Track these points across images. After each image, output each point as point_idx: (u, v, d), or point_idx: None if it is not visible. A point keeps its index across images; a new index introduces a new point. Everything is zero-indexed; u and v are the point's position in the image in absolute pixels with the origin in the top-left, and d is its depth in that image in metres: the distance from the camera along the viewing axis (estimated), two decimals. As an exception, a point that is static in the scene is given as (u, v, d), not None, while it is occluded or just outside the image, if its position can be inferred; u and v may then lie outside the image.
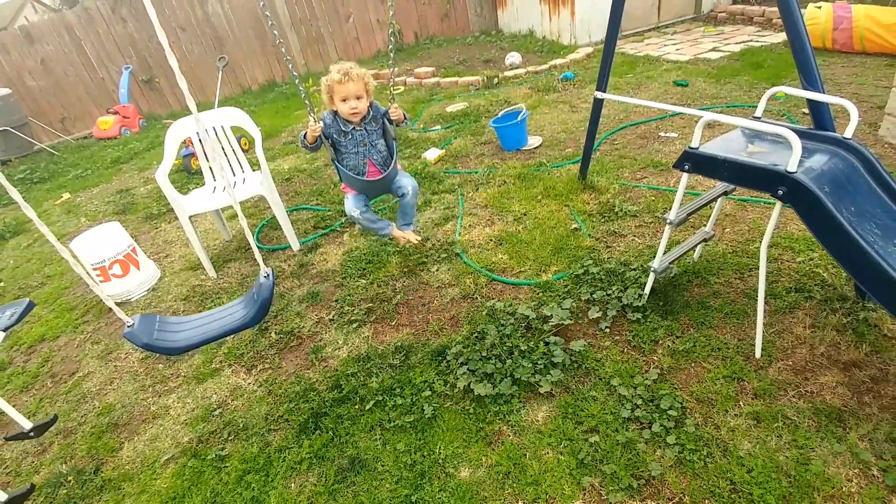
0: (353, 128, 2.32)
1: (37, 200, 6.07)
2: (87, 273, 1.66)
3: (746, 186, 1.85)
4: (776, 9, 7.39)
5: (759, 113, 2.03)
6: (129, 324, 1.75)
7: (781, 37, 6.18)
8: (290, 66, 2.25)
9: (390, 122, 2.40)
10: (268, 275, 1.96)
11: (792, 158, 1.59)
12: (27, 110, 8.10)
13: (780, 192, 1.62)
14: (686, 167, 1.87)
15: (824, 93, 1.92)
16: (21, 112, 7.90)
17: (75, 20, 8.09)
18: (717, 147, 1.88)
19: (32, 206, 6.20)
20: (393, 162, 2.43)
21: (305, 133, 2.32)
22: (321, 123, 2.31)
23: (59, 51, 8.17)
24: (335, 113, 2.31)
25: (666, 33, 7.43)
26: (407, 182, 2.50)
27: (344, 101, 2.23)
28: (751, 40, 6.30)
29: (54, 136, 8.46)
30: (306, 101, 2.29)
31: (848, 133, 1.83)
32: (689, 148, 1.85)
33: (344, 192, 2.54)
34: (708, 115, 1.76)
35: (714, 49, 6.21)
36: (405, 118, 2.41)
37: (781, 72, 4.90)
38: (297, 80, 2.26)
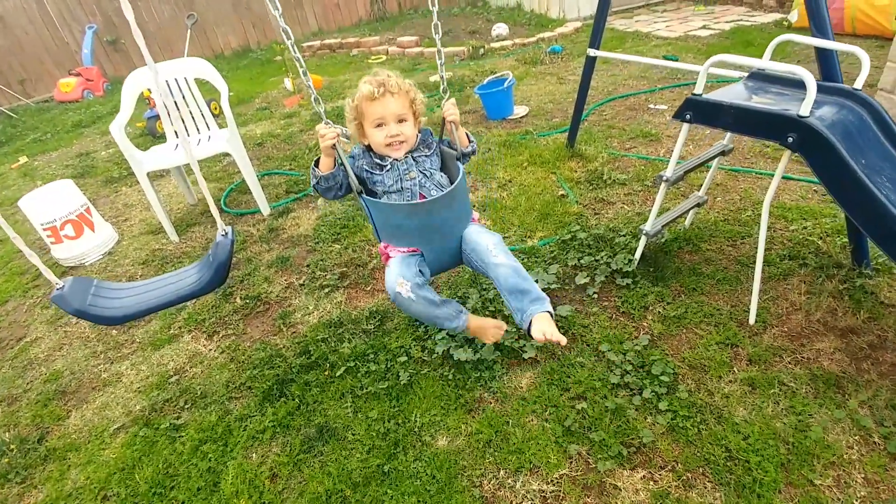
0: (395, 159, 1.59)
1: (-8, 164, 5.66)
2: (13, 232, 1.43)
3: (753, 135, 1.72)
4: (766, -10, 7.04)
5: (764, 62, 1.90)
6: (58, 286, 1.52)
7: (772, 17, 6.12)
8: (278, 17, 1.43)
9: (450, 145, 1.63)
10: (226, 233, 1.67)
11: (805, 101, 1.46)
12: (-19, 69, 7.55)
13: (790, 140, 1.50)
14: (688, 116, 1.73)
15: (834, 40, 1.80)
16: (-27, 71, 7.36)
17: (33, -27, 7.51)
18: (721, 96, 1.74)
19: (-13, 170, 5.70)
20: (458, 181, 1.56)
21: (317, 160, 1.57)
22: (337, 128, 1.50)
23: (17, 6, 7.58)
24: (368, 147, 1.62)
25: (655, 10, 7.30)
26: (488, 239, 1.54)
27: (379, 126, 1.52)
28: (741, 20, 6.21)
29: (13, 98, 7.90)
30: (296, 61, 1.50)
31: (858, 84, 1.72)
32: (693, 95, 1.71)
33: (383, 256, 1.65)
34: (716, 57, 1.62)
35: (704, 27, 6.10)
36: (470, 140, 1.62)
37: (772, 49, 4.82)
38: (289, 42, 1.47)
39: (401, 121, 1.54)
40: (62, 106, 7.44)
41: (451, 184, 1.61)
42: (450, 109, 1.56)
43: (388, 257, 1.61)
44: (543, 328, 1.39)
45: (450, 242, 1.57)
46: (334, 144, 1.50)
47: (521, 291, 1.44)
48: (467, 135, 1.63)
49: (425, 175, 1.59)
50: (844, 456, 1.47)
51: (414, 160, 1.60)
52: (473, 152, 1.66)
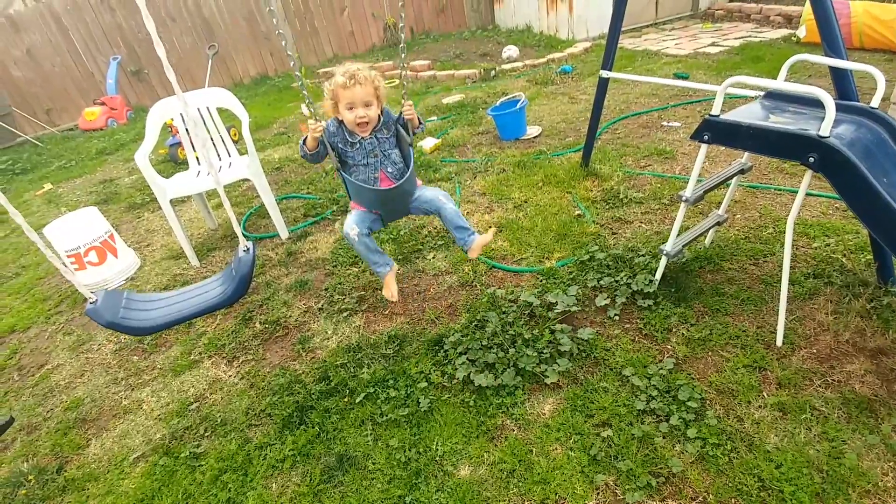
0: (362, 138, 2.00)
1: (17, 191, 5.86)
2: (39, 238, 1.49)
3: (773, 155, 1.71)
4: (773, 6, 7.29)
5: (780, 84, 1.89)
6: (91, 300, 1.58)
7: (780, 33, 6.12)
8: (288, 50, 1.98)
9: (405, 128, 2.05)
10: (248, 248, 1.80)
11: (825, 122, 1.45)
12: (11, 101, 7.87)
13: (812, 160, 1.48)
14: (706, 137, 1.72)
15: (847, 59, 1.79)
16: (4, 102, 7.68)
17: (62, 9, 7.86)
18: (739, 116, 1.74)
19: (13, 197, 5.95)
20: (409, 171, 2.02)
21: (305, 139, 2.00)
22: (323, 123, 1.96)
23: (45, 40, 7.92)
24: (340, 121, 1.99)
25: (664, 30, 7.35)
26: (433, 193, 2.08)
27: (350, 108, 1.91)
28: (749, 36, 6.23)
29: (39, 127, 8.20)
30: (303, 92, 1.95)
31: (874, 102, 1.70)
32: (710, 116, 1.71)
33: (352, 209, 2.12)
34: (733, 79, 1.62)
35: (713, 44, 6.13)
36: (420, 122, 2.09)
37: (782, 65, 4.80)
38: (293, 64, 1.98)
39: (366, 105, 1.92)
40: (86, 134, 7.69)
41: (403, 159, 2.09)
42: (408, 110, 2.01)
43: (354, 208, 2.11)
44: (477, 248, 2.09)
45: (401, 206, 2.11)
46: (322, 136, 1.97)
47: (461, 228, 2.08)
48: (419, 118, 2.07)
49: (385, 155, 2.04)
50: (879, 483, 1.41)
51: (377, 140, 2.01)
52: (422, 130, 2.14)
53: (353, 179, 1.99)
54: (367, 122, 1.94)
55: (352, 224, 2.03)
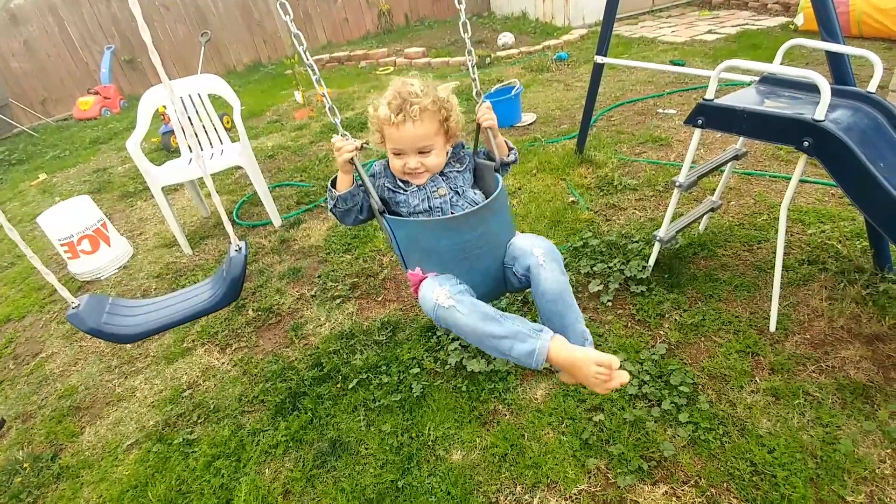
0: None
1: (13, 181, 5.81)
2: (21, 241, 1.47)
3: (768, 140, 1.70)
4: (772, -6, 7.00)
5: (775, 67, 1.87)
6: (73, 305, 1.53)
7: (777, 21, 6.06)
8: (293, 35, 1.38)
9: (487, 156, 1.45)
10: (239, 248, 1.73)
11: (820, 106, 1.43)
12: (9, 92, 7.79)
13: (806, 144, 1.47)
14: (699, 122, 1.71)
15: (844, 44, 1.77)
16: (2, 94, 7.61)
17: (59, 1, 7.75)
18: (733, 101, 1.72)
19: (9, 188, 5.87)
20: (498, 189, 1.33)
21: (335, 180, 1.38)
22: (355, 142, 1.33)
23: (42, 32, 7.86)
24: (388, 163, 1.43)
25: (660, 17, 7.28)
26: (528, 241, 1.33)
27: (398, 154, 1.33)
28: (747, 24, 6.17)
29: (35, 118, 8.13)
30: (320, 84, 1.38)
31: (871, 87, 1.68)
32: (704, 100, 1.69)
33: (413, 285, 1.38)
34: (727, 63, 1.60)
35: (710, 31, 6.07)
36: (510, 148, 1.44)
37: (781, 51, 4.77)
38: (299, 46, 1.39)
39: (423, 152, 1.32)
40: (81, 123, 7.61)
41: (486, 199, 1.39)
42: (486, 114, 1.38)
43: (421, 280, 1.33)
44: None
45: (491, 265, 1.33)
46: (352, 159, 1.31)
47: (559, 316, 1.23)
48: (506, 142, 1.45)
49: (457, 192, 1.38)
50: (877, 471, 1.41)
51: (443, 175, 1.40)
52: (515, 161, 1.46)
53: (403, 219, 1.35)
54: (423, 173, 1.36)
55: (432, 288, 1.24)
